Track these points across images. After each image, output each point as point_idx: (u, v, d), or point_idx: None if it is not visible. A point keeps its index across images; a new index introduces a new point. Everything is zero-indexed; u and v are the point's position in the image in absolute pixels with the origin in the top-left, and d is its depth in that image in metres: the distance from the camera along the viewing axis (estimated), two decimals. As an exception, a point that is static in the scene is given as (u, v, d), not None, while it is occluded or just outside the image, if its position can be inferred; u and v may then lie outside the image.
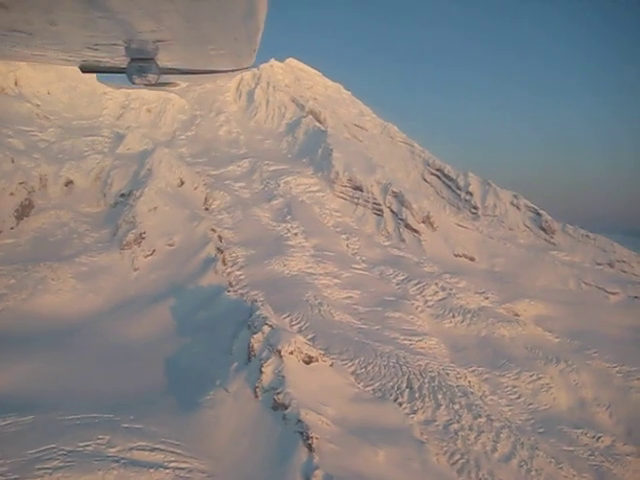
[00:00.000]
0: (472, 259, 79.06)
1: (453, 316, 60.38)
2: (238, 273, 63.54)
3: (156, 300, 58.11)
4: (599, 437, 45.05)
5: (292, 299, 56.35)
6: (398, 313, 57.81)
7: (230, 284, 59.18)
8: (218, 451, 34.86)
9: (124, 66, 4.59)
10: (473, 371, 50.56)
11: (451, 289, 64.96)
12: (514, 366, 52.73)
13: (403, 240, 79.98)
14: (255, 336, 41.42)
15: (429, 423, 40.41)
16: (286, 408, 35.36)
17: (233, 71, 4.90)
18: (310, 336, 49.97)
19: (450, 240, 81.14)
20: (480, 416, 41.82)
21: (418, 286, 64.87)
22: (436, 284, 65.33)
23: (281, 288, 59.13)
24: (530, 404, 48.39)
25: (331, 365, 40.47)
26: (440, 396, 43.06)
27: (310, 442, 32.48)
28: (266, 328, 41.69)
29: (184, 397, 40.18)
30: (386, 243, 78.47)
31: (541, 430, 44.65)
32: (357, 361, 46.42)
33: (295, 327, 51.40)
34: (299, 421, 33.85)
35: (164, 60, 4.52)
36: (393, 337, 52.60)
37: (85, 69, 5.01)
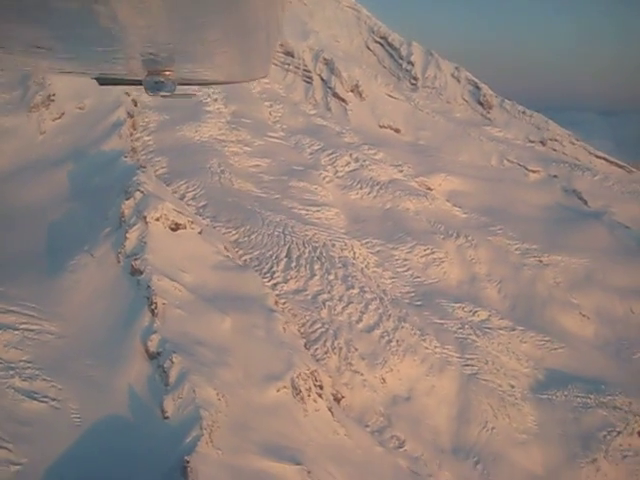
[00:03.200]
0: (397, 131, 77.47)
1: (361, 188, 59.60)
2: (147, 138, 61.74)
3: (57, 165, 56.54)
4: (476, 311, 45.52)
5: (195, 166, 55.11)
6: (303, 183, 56.93)
7: (134, 150, 57.64)
8: (72, 314, 34.71)
9: (141, 78, 4.53)
10: (366, 243, 50.35)
11: (365, 160, 63.81)
12: (411, 239, 52.54)
13: (329, 109, 77.96)
14: (127, 202, 40.52)
15: (299, 292, 40.45)
16: (141, 274, 35.07)
17: (248, 80, 5.30)
18: (202, 203, 49.24)
19: (377, 111, 79.15)
20: (353, 287, 41.91)
21: (331, 156, 63.62)
22: (350, 155, 64.08)
23: (187, 154, 57.70)
24: (417, 277, 48.53)
25: (200, 232, 39.91)
26: (317, 266, 42.93)
27: (154, 307, 32.37)
28: (138, 194, 40.73)
29: (54, 262, 39.69)
30: (312, 112, 76.44)
31: (419, 303, 44.96)
32: (242, 229, 45.90)
33: (190, 194, 50.47)
34: (149, 287, 33.63)
35: (180, 71, 4.49)
36: (290, 207, 51.95)
37: (102, 82, 5.07)
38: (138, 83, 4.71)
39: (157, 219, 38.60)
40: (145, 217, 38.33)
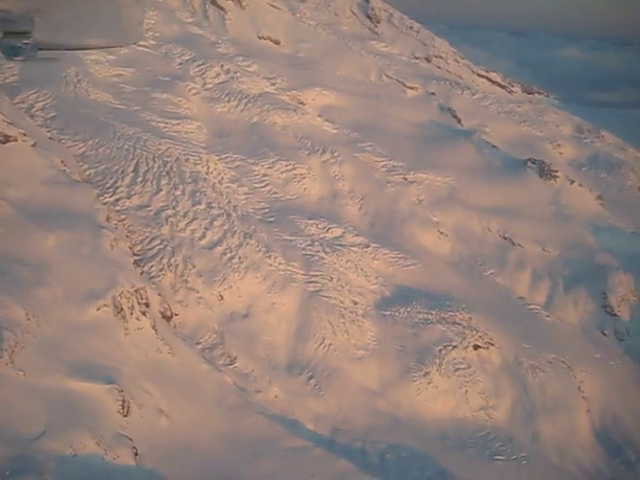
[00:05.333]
0: (277, 42, 75.34)
1: (229, 101, 57.75)
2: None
3: None
4: (330, 228, 45.31)
5: (49, 74, 51.84)
6: (166, 95, 54.68)
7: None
8: None
9: None
10: (225, 158, 49.07)
11: (236, 72, 61.75)
12: (273, 155, 51.51)
13: (207, 18, 74.78)
14: (-46, 111, 37.89)
15: (141, 208, 39.11)
16: (-39, 188, 33.06)
17: (121, 45, 4.77)
18: (51, 115, 46.45)
19: (257, 21, 76.56)
20: (200, 203, 40.89)
21: (201, 67, 61.20)
22: (221, 66, 61.84)
23: (42, 62, 54.28)
24: (274, 194, 47.80)
25: (34, 145, 37.83)
26: (165, 181, 41.55)
27: (-33, 224, 30.64)
28: (-35, 104, 38.17)
29: None
30: (188, 20, 73.15)
31: (271, 219, 44.35)
32: (90, 142, 43.72)
33: (39, 104, 47.47)
34: (-35, 203, 31.75)
35: (41, 34, 4.04)
36: (148, 119, 49.87)
37: None
38: None
39: (-16, 130, 36.27)
40: (-30, 128, 35.98)
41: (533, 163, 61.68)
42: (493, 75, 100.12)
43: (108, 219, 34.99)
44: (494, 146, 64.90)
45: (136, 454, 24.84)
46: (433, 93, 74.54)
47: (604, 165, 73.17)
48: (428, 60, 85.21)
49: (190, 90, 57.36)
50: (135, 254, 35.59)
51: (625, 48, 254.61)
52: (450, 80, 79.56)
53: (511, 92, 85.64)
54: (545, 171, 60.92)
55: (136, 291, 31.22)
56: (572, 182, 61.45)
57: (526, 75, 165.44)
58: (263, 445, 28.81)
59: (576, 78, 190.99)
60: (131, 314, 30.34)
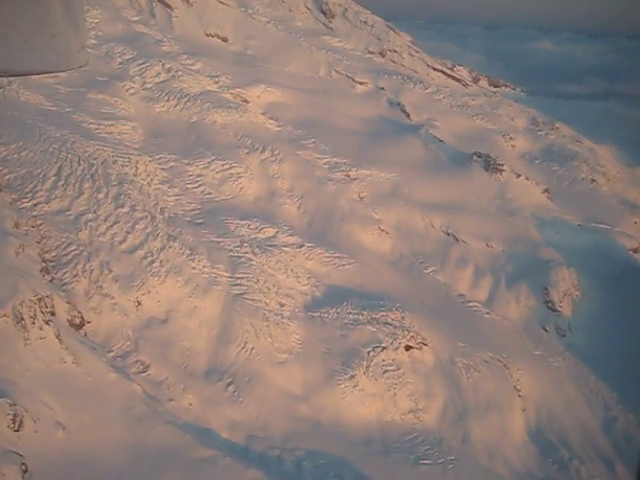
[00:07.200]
0: (225, 40, 74.20)
1: (168, 100, 56.61)
2: None
3: None
4: (262, 228, 44.40)
5: (-20, 76, 50.72)
6: (102, 95, 53.54)
7: None
8: None
9: None
10: (159, 159, 47.97)
11: (178, 71, 60.55)
12: (210, 154, 50.45)
13: (154, 16, 73.53)
14: None
15: (60, 213, 37.95)
16: None
17: (62, 71, 4.23)
18: (-24, 118, 45.52)
19: (205, 18, 75.40)
20: (123, 206, 39.84)
21: (141, 67, 59.95)
22: (162, 65, 60.65)
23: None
24: (208, 194, 46.79)
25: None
26: (87, 184, 40.41)
27: None
28: None
29: None
30: (134, 18, 71.85)
31: (200, 221, 43.31)
32: (14, 146, 42.41)
33: (-35, 108, 46.51)
34: None
35: None
36: (80, 121, 48.74)
37: None
38: None
39: None
40: None
41: (479, 157, 61.05)
42: (459, 69, 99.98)
43: (17, 225, 33.94)
44: (441, 140, 64.20)
45: (25, 471, 23.87)
46: (382, 88, 73.68)
47: (557, 157, 72.63)
48: (382, 55, 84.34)
49: (128, 90, 56.22)
50: (48, 260, 34.54)
51: (599, 40, 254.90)
52: (403, 74, 78.74)
53: (466, 85, 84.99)
54: (491, 165, 60.31)
55: (40, 299, 30.17)
56: (518, 176, 60.84)
57: (497, 68, 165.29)
58: (168, 456, 27.92)
59: (547, 70, 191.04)
60: (33, 324, 29.31)
